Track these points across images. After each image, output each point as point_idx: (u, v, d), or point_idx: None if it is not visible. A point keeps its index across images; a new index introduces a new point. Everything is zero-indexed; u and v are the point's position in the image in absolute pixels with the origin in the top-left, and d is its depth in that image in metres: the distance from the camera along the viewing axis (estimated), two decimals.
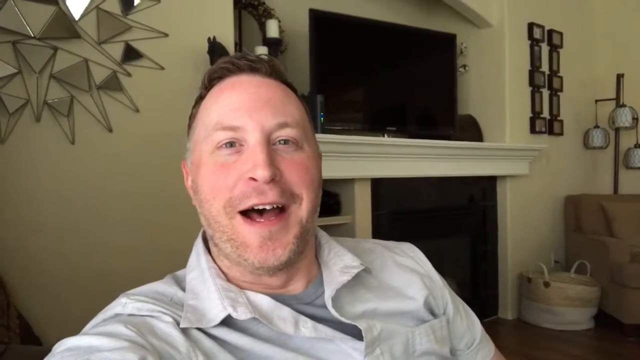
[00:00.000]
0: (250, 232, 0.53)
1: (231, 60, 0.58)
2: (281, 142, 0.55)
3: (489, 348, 0.74)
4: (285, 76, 0.61)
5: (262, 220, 0.54)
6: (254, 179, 0.52)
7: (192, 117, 0.61)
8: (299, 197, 0.55)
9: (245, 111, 0.55)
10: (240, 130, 0.54)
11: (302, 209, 0.55)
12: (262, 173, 0.51)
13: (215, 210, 0.54)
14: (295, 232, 0.54)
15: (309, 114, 0.63)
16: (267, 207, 0.53)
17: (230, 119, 0.55)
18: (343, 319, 0.56)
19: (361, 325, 0.56)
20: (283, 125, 0.55)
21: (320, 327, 0.55)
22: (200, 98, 0.60)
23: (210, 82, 0.59)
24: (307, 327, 0.54)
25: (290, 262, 0.55)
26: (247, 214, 0.54)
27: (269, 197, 0.52)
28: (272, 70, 0.59)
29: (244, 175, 0.53)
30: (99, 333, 0.48)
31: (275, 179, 0.53)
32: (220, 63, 0.59)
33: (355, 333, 0.56)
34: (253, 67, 0.58)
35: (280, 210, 0.54)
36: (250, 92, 0.56)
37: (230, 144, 0.55)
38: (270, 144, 0.54)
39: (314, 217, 0.58)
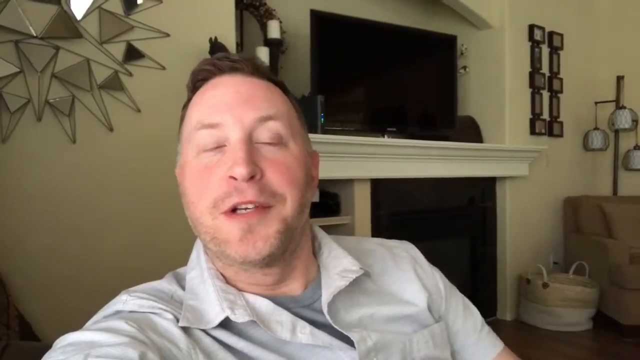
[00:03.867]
0: (232, 226, 0.52)
1: (212, 62, 0.58)
2: (265, 140, 0.55)
3: (495, 343, 0.73)
4: (270, 74, 0.60)
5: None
6: (233, 178, 0.51)
7: (180, 121, 0.61)
8: (282, 197, 0.54)
9: (225, 107, 0.54)
10: (220, 127, 0.54)
11: (287, 209, 0.54)
12: (240, 170, 0.51)
13: (199, 212, 0.54)
14: (278, 228, 0.53)
15: (299, 112, 0.62)
16: (249, 207, 0.52)
17: (210, 116, 0.54)
18: (337, 327, 0.55)
19: (353, 336, 0.55)
20: (265, 118, 0.55)
21: (318, 333, 0.54)
22: (188, 101, 0.60)
23: (194, 84, 0.59)
24: (305, 333, 0.54)
25: (274, 257, 0.53)
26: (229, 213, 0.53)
27: (248, 195, 0.51)
28: (255, 68, 0.58)
29: (225, 174, 0.52)
30: (100, 329, 0.49)
31: (255, 177, 0.52)
32: (202, 65, 0.58)
33: (352, 340, 0.55)
34: (234, 67, 0.58)
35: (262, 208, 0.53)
36: (230, 91, 0.55)
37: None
38: (251, 142, 0.54)
39: (302, 217, 0.56)
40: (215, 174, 0.53)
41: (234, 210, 0.52)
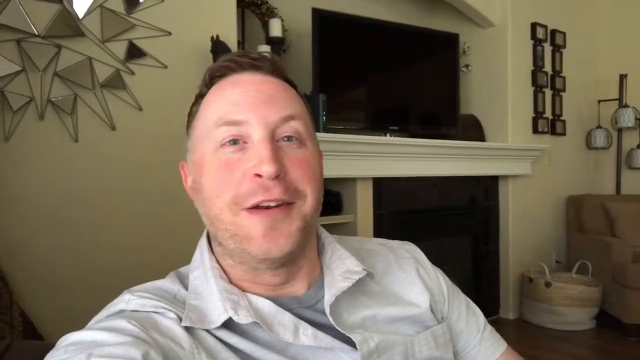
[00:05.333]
0: (255, 223, 0.52)
1: (233, 58, 0.57)
2: (285, 139, 0.55)
3: (498, 344, 0.73)
4: (287, 74, 0.61)
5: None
6: (259, 175, 0.51)
7: (191, 116, 0.60)
8: (303, 194, 0.54)
9: (248, 106, 0.54)
10: (243, 124, 0.54)
11: (307, 205, 0.55)
12: (267, 169, 0.51)
13: (218, 209, 0.53)
14: (299, 225, 0.53)
15: (311, 113, 0.63)
16: (272, 204, 0.52)
17: (233, 113, 0.54)
18: (339, 329, 0.55)
19: (356, 337, 0.55)
20: (287, 118, 0.55)
21: (321, 335, 0.54)
22: (201, 96, 0.59)
23: (211, 79, 0.59)
24: (307, 335, 0.53)
25: (292, 255, 0.54)
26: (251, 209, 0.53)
27: (274, 193, 0.52)
28: (274, 67, 0.58)
29: (249, 171, 0.52)
30: (102, 328, 0.49)
31: (280, 175, 0.52)
32: (222, 61, 0.58)
33: (354, 342, 0.55)
34: (255, 65, 0.57)
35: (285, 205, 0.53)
36: (252, 90, 0.55)
37: (234, 142, 0.54)
38: (274, 140, 0.54)
39: (317, 214, 0.57)
40: (236, 171, 0.53)
41: (256, 206, 0.52)
